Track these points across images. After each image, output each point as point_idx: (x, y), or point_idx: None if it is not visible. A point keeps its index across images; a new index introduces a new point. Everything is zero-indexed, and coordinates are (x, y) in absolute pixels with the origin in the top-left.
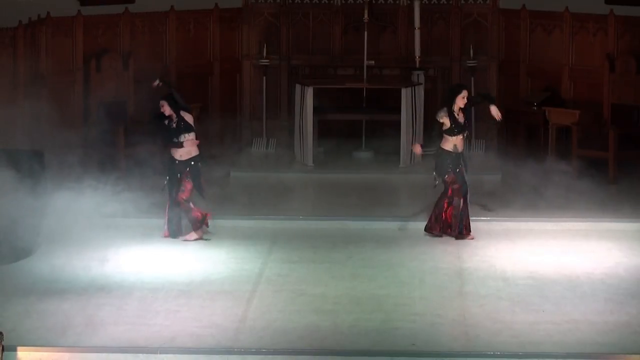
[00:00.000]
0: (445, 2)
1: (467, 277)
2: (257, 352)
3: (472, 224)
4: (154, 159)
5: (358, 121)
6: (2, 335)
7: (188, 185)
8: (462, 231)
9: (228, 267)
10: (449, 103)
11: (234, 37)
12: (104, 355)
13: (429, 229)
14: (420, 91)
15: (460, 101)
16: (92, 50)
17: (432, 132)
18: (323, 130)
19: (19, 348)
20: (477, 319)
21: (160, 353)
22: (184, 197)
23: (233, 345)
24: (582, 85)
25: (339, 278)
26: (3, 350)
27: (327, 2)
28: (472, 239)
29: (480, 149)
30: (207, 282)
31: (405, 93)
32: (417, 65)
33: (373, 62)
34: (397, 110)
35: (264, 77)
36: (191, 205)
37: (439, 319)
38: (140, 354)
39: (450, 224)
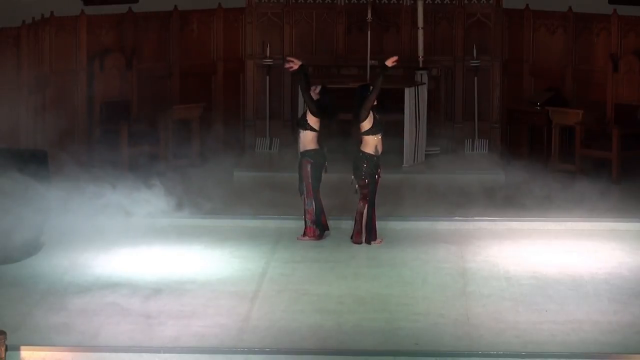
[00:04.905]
0: (448, 2)
1: (470, 277)
2: (261, 351)
3: (475, 224)
4: (156, 159)
5: None
6: (6, 334)
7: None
8: (370, 239)
9: (232, 267)
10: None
11: (238, 37)
12: (107, 354)
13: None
14: (424, 91)
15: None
16: (95, 50)
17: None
18: (326, 130)
19: (22, 347)
20: (480, 318)
21: (163, 352)
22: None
23: (236, 344)
24: (586, 85)
25: (343, 278)
26: (6, 349)
27: (330, 1)
28: (381, 242)
29: (484, 149)
30: (210, 282)
31: (408, 93)
32: (421, 65)
33: (376, 61)
34: (401, 110)
35: (267, 77)
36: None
37: (442, 319)
38: (144, 354)
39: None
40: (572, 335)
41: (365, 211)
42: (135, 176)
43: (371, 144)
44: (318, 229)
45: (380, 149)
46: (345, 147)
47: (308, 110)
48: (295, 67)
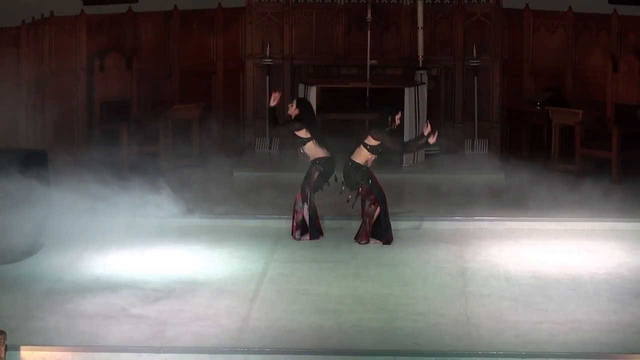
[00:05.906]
0: (448, 2)
1: (470, 277)
2: (260, 351)
3: (475, 223)
4: (156, 158)
5: (361, 121)
6: (6, 334)
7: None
8: (389, 239)
9: (231, 267)
10: (391, 123)
11: (237, 37)
12: (107, 354)
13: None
14: (424, 91)
15: (397, 121)
16: (95, 50)
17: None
18: (326, 130)
19: (22, 347)
20: (480, 318)
21: (163, 352)
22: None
23: (236, 344)
24: (585, 85)
25: (342, 277)
26: (6, 349)
27: (330, 1)
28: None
29: (484, 149)
30: (210, 282)
31: (408, 93)
32: (420, 64)
33: (376, 61)
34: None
35: (267, 77)
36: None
37: (441, 319)
38: (144, 354)
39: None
40: (572, 335)
41: (377, 213)
42: (135, 176)
43: (363, 157)
44: (301, 230)
45: (369, 164)
46: (348, 146)
47: (294, 130)
48: (275, 103)
